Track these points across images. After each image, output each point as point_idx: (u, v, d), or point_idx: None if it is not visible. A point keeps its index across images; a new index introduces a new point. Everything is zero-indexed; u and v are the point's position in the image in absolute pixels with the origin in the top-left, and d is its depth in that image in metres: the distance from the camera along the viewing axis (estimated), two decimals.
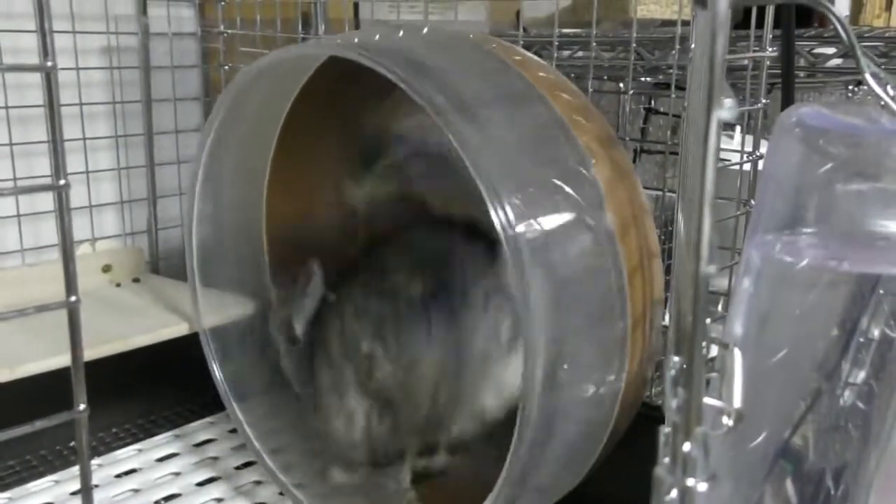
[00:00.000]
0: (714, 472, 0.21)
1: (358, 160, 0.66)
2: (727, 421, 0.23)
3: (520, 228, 0.43)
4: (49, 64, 0.24)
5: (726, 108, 0.19)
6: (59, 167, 0.24)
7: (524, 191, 0.44)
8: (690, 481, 0.21)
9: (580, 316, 0.46)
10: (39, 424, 0.25)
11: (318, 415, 0.61)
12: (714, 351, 0.27)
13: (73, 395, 0.27)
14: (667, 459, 0.22)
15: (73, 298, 0.24)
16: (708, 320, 0.23)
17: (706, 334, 0.22)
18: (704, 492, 0.21)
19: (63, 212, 0.24)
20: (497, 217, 0.43)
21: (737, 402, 0.23)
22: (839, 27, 0.33)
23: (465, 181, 0.44)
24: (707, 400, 0.22)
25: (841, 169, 0.34)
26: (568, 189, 0.46)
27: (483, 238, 0.54)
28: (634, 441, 0.51)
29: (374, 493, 0.62)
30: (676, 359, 0.23)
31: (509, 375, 0.56)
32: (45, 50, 0.24)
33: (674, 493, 0.22)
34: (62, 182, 0.23)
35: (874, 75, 0.32)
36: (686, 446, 0.21)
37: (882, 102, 0.33)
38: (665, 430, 0.23)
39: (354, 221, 0.66)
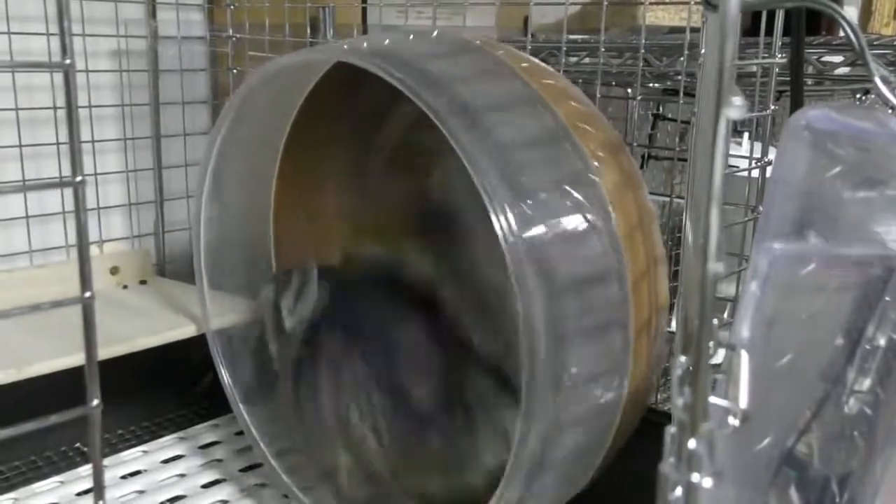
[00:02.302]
0: (719, 470, 0.21)
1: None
2: (733, 421, 0.23)
3: (521, 235, 0.43)
4: (68, 62, 0.24)
5: (735, 107, 0.19)
6: (75, 164, 0.24)
7: (526, 197, 0.44)
8: (695, 477, 0.21)
9: (584, 322, 0.46)
10: (53, 419, 0.25)
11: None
12: (720, 355, 0.27)
13: (84, 392, 0.27)
14: (672, 459, 0.22)
15: (88, 294, 0.24)
16: (714, 321, 0.23)
17: (713, 333, 0.22)
18: (709, 489, 0.21)
19: (79, 208, 0.24)
20: (498, 223, 0.43)
21: (743, 401, 0.23)
22: (848, 31, 0.33)
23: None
24: (713, 399, 0.22)
25: (849, 173, 0.34)
26: (575, 194, 0.46)
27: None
28: (640, 446, 0.51)
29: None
30: (683, 359, 0.23)
31: None
32: (64, 48, 0.24)
33: (679, 491, 0.22)
34: (79, 179, 0.24)
35: (884, 79, 0.32)
36: (691, 443, 0.21)
37: (891, 105, 0.34)
38: (671, 429, 0.24)
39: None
